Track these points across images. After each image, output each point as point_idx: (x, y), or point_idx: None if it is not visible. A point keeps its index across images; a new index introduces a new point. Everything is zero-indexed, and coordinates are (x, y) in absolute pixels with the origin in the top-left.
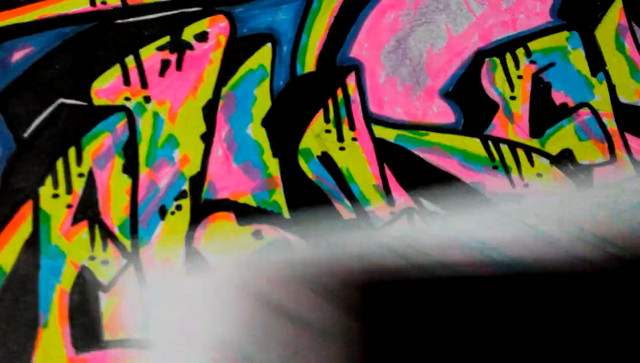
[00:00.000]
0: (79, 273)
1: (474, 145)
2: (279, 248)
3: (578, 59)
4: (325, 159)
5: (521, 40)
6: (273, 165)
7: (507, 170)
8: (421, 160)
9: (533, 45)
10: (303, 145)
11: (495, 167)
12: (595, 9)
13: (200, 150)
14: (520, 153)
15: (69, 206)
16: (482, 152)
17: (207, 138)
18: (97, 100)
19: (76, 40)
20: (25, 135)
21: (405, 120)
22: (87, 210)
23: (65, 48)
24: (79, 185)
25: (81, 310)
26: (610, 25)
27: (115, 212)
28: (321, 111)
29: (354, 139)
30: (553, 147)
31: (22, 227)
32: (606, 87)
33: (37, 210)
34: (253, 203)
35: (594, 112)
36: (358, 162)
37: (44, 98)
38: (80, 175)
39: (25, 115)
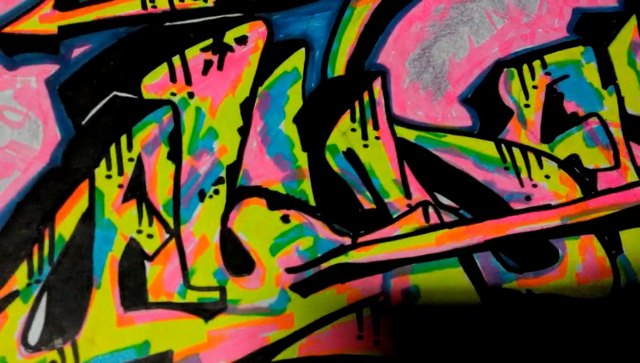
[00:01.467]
0: (128, 244)
1: (488, 147)
2: (305, 233)
3: (591, 72)
4: (350, 155)
5: (538, 53)
6: (302, 158)
7: (517, 171)
8: (438, 159)
9: (549, 58)
10: (330, 141)
11: (506, 168)
12: (610, 27)
13: (236, 142)
14: (531, 156)
15: (120, 186)
16: (495, 153)
17: (244, 131)
18: (147, 94)
19: (129, 39)
20: (83, 122)
21: (425, 123)
22: (136, 190)
23: (119, 47)
24: (129, 168)
25: (129, 275)
26: (624, 42)
27: (160, 193)
28: (348, 111)
29: (377, 138)
30: (561, 151)
31: (79, 203)
32: (615, 99)
33: (92, 188)
34: (282, 191)
35: (602, 121)
36: (380, 158)
37: (100, 91)
38: (130, 159)
39: (83, 105)
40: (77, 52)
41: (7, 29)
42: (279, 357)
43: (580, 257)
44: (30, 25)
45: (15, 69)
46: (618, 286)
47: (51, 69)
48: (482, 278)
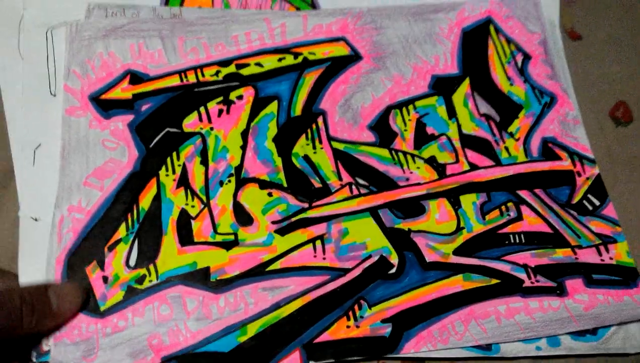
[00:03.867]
0: (181, 211)
1: (384, 152)
2: (281, 202)
3: (442, 110)
4: (306, 158)
5: (412, 101)
6: (278, 161)
7: (401, 165)
8: (357, 159)
9: (418, 103)
10: (295, 150)
11: (395, 163)
12: (453, 85)
13: (240, 154)
14: (409, 157)
15: (174, 180)
16: (389, 156)
17: (244, 148)
18: (186, 129)
19: (174, 99)
20: (150, 146)
21: (349, 140)
22: (183, 182)
23: (168, 104)
24: (178, 170)
25: (182, 228)
26: (461, 93)
27: (197, 183)
28: (304, 135)
29: (322, 148)
30: (426, 154)
31: (151, 190)
32: (456, 125)
33: (158, 181)
34: (267, 179)
35: (448, 137)
36: (324, 159)
37: (159, 129)
38: (179, 165)
39: (150, 136)
40: (144, 107)
41: (103, 96)
42: (269, 268)
43: (437, 210)
44: (116, 93)
45: (109, 118)
46: (459, 225)
47: (130, 117)
48: (383, 222)
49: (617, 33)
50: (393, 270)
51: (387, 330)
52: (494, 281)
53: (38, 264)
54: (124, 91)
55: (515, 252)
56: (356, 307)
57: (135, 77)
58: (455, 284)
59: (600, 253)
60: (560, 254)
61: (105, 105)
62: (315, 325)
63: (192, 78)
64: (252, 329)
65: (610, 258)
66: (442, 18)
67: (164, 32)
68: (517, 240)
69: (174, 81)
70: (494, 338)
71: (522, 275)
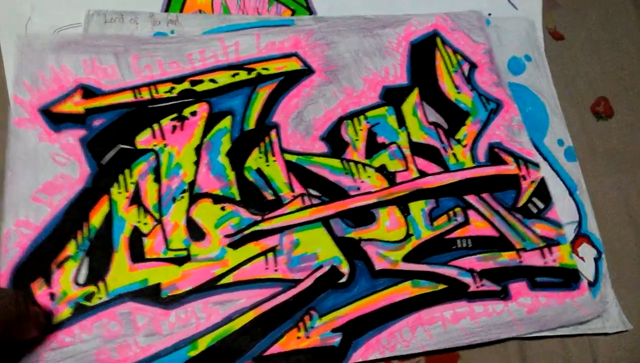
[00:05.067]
0: (133, 228)
1: (336, 162)
2: (234, 215)
3: (392, 120)
4: (259, 171)
5: (362, 111)
6: (232, 175)
7: (352, 174)
8: (309, 170)
9: (369, 113)
10: (247, 164)
11: (346, 173)
12: (403, 95)
13: (193, 169)
14: (360, 166)
15: (127, 197)
16: (340, 166)
17: (197, 163)
18: (139, 146)
19: (127, 115)
20: (103, 162)
21: (301, 151)
22: (136, 200)
23: (121, 120)
24: (131, 187)
25: (134, 245)
26: (411, 102)
27: (150, 200)
28: (257, 148)
29: (275, 161)
30: (376, 163)
31: (103, 207)
32: (406, 133)
33: (110, 199)
34: (220, 194)
35: (398, 146)
36: (276, 171)
37: (111, 145)
38: (132, 183)
39: (101, 153)
40: (96, 122)
41: (53, 109)
42: (221, 282)
43: (387, 218)
44: (68, 107)
45: (60, 132)
46: (408, 232)
47: (82, 132)
48: (334, 232)
49: (597, 33)
50: (344, 279)
51: (336, 339)
52: (441, 286)
53: None
54: (76, 105)
55: (462, 256)
56: (307, 317)
57: (88, 92)
58: (404, 291)
59: (544, 256)
60: (506, 257)
61: (55, 119)
62: (266, 338)
63: (146, 94)
64: (203, 344)
65: (554, 261)
66: (390, 32)
67: (118, 49)
68: (465, 245)
69: (128, 97)
70: (439, 345)
71: (468, 280)
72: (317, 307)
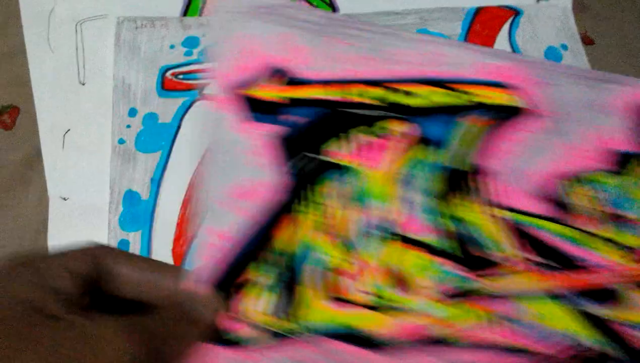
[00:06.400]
0: (321, 260)
1: (563, 229)
2: (447, 270)
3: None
4: (462, 220)
5: (592, 174)
6: (448, 223)
7: (585, 244)
8: (529, 232)
9: (600, 178)
10: (459, 213)
11: (575, 242)
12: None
13: (398, 205)
14: (588, 236)
15: (314, 220)
16: (567, 232)
17: (402, 198)
18: (331, 158)
19: (326, 116)
20: (294, 171)
21: (518, 209)
22: (324, 225)
23: (322, 121)
24: (318, 208)
25: (323, 279)
26: None
27: (342, 229)
28: (470, 195)
29: (487, 213)
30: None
31: (288, 228)
32: None
33: (294, 219)
34: (434, 242)
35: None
36: (487, 225)
37: (304, 149)
38: (319, 203)
39: (296, 158)
40: (293, 118)
41: (251, 93)
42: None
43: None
44: (269, 94)
45: (258, 123)
46: None
47: (279, 128)
48: (580, 308)
49: (628, 38)
50: None
51: None
52: None
53: (65, 241)
54: (281, 92)
55: None
56: None
57: (288, 78)
58: None
59: None
60: None
61: (254, 106)
62: None
63: (336, 94)
64: None
65: None
66: (616, 89)
67: (315, 27)
68: None
69: (334, 94)
70: None
71: None
72: None
